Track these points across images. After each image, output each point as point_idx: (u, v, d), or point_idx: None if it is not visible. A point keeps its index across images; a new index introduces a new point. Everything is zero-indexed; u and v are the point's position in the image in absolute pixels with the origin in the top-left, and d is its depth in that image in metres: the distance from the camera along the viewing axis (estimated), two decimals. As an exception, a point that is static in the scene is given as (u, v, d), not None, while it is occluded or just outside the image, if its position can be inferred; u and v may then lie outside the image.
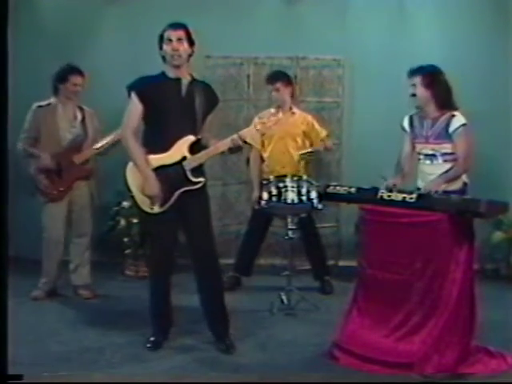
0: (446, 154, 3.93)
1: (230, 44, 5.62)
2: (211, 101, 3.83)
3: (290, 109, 5.08)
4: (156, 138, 3.73)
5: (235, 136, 3.70)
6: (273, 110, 5.10)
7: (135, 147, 3.70)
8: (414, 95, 3.96)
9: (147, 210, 3.77)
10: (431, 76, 3.92)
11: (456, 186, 3.89)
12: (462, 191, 3.89)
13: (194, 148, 3.73)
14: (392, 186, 3.82)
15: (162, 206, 3.73)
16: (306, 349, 3.91)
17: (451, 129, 3.89)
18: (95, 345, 3.94)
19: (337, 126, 5.97)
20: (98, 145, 4.81)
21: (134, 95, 3.68)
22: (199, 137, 3.74)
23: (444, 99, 3.94)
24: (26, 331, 4.01)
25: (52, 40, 5.92)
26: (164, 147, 3.70)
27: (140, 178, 3.72)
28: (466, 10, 5.79)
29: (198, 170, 3.77)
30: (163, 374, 3.55)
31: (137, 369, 3.61)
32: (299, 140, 5.10)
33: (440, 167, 3.94)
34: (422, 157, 4.04)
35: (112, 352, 3.82)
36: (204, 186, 3.81)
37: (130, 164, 3.77)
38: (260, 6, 5.96)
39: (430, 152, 3.98)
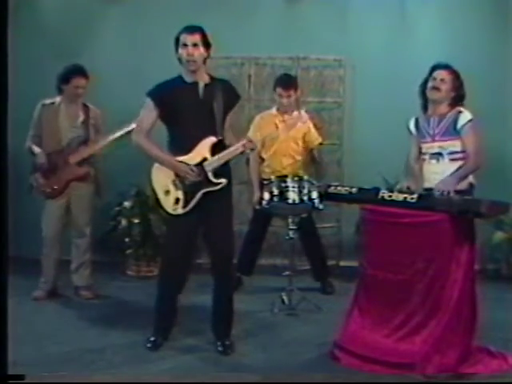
0: (452, 152, 3.88)
1: (231, 44, 5.61)
2: (230, 99, 3.82)
3: (293, 111, 5.07)
4: (178, 141, 3.76)
5: (245, 141, 3.72)
6: (274, 111, 5.13)
7: (148, 144, 3.74)
8: (435, 88, 3.88)
9: (170, 211, 3.78)
10: (457, 73, 3.92)
11: (462, 186, 3.81)
12: (468, 192, 3.83)
13: (217, 149, 3.73)
14: (406, 189, 3.78)
15: (184, 207, 3.74)
16: (307, 349, 3.91)
17: (459, 125, 3.85)
18: (96, 345, 3.93)
19: (338, 126, 5.97)
20: (102, 142, 4.80)
21: (148, 100, 3.72)
22: (220, 137, 3.73)
23: (459, 97, 3.92)
24: (27, 331, 4.00)
25: (52, 39, 5.93)
26: (186, 149, 3.71)
27: (164, 178, 3.75)
28: (466, 10, 5.80)
29: (221, 171, 3.75)
30: (165, 374, 3.54)
31: (138, 369, 3.60)
32: (300, 142, 5.09)
33: (446, 167, 3.89)
34: (427, 156, 3.99)
35: (113, 352, 3.82)
36: (227, 187, 3.79)
37: (154, 166, 3.80)
38: (261, 6, 5.96)
39: (437, 150, 3.93)
